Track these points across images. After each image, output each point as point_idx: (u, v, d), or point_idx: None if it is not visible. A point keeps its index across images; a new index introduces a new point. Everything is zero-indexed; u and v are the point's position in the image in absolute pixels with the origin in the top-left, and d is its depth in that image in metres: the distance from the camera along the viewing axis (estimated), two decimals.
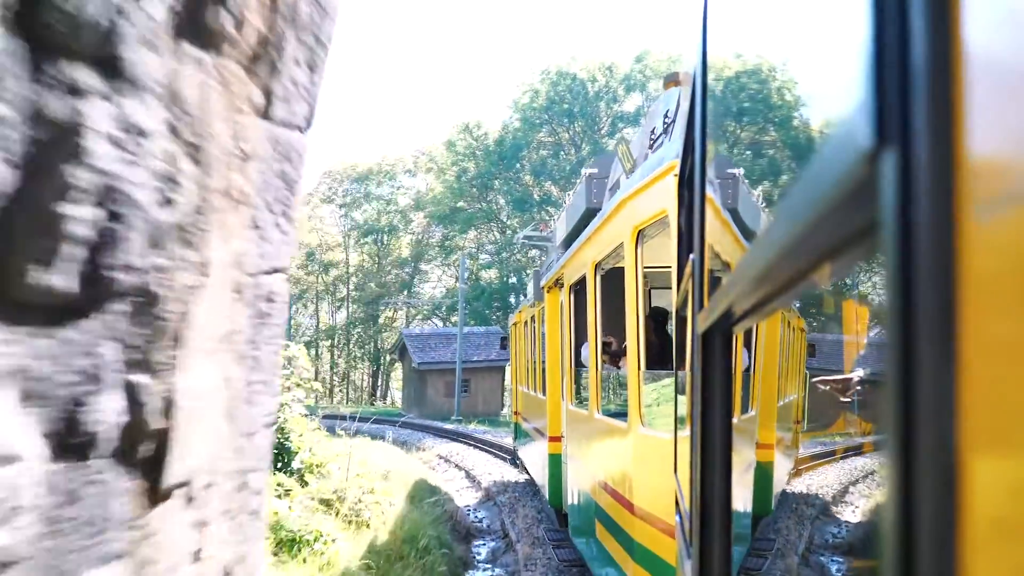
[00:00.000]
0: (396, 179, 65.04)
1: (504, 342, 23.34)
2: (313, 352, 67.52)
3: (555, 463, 9.82)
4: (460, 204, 52.65)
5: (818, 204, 0.66)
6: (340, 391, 67.61)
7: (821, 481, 1.31)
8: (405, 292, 60.25)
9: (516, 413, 16.03)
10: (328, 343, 68.56)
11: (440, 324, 55.09)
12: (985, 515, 0.38)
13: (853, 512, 1.05)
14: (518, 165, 51.30)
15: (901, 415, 0.45)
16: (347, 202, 65.76)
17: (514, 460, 18.29)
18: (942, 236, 0.43)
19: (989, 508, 0.38)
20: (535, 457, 12.27)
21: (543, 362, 10.90)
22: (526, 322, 13.81)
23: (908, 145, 0.46)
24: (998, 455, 0.38)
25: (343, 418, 20.47)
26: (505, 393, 37.93)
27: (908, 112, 0.47)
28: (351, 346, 66.78)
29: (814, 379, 1.35)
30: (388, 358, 58.69)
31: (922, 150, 0.45)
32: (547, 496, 10.40)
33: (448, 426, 31.06)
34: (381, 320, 63.22)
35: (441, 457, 22.61)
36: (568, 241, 9.44)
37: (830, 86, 0.76)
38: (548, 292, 10.20)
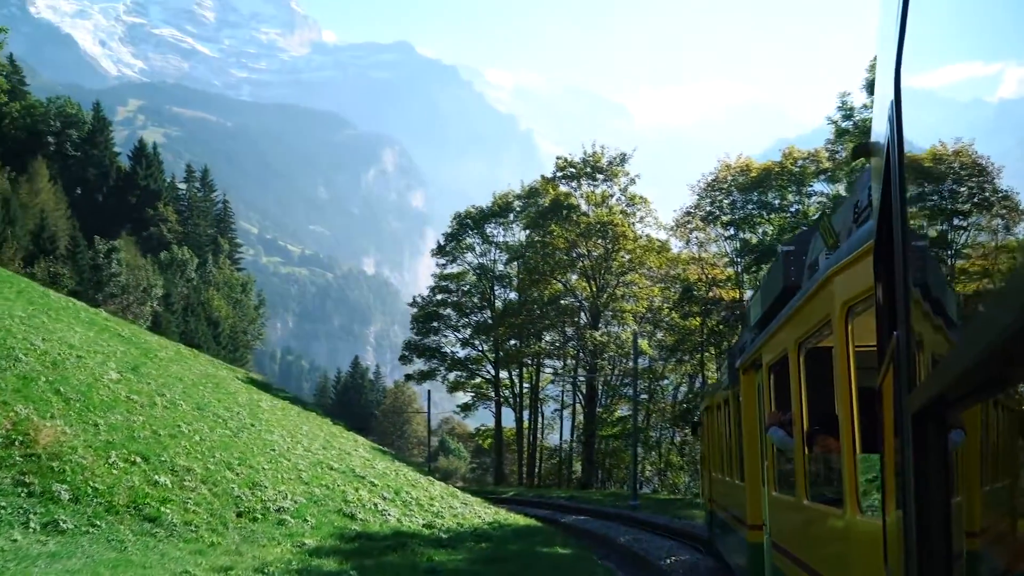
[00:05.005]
0: (806, 182, 41.66)
1: (695, 428, 22.54)
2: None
3: (756, 552, 9.44)
4: None
5: None
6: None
7: None
8: None
9: (711, 501, 15.54)
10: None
11: None
12: None
13: None
14: None
15: None
16: (735, 219, 44.36)
17: (708, 550, 17.57)
18: None
19: None
20: (735, 546, 11.79)
21: (739, 447, 10.51)
22: (719, 405, 13.44)
23: None
24: None
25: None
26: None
27: None
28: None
29: None
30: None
31: None
32: None
33: None
34: None
35: None
36: (763, 322, 9.15)
37: None
38: (744, 374, 9.91)
